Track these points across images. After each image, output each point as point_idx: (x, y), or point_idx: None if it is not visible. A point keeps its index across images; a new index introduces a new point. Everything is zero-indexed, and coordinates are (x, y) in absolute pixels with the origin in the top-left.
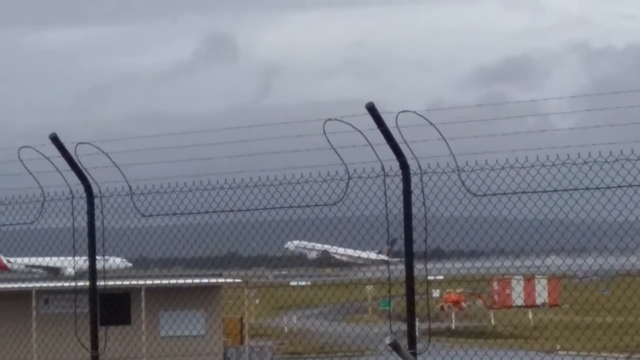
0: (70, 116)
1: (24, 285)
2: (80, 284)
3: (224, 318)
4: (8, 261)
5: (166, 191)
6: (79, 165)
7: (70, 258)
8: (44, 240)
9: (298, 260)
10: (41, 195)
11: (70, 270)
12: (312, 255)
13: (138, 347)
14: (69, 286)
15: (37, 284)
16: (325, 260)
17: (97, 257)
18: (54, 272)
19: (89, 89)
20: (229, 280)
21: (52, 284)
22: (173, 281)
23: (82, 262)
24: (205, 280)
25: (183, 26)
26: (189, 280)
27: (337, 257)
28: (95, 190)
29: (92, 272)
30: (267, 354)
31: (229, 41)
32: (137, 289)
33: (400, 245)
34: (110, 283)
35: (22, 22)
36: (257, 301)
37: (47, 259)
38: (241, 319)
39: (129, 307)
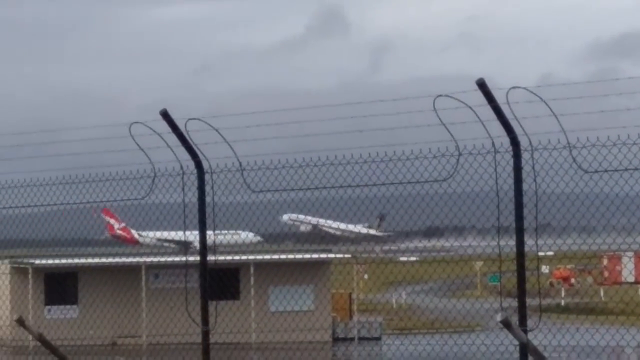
0: (182, 91)
1: (134, 259)
2: (191, 259)
3: (333, 293)
4: (140, 235)
5: (276, 167)
6: (190, 141)
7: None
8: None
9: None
10: (152, 171)
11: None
12: (303, 228)
13: (247, 322)
14: (179, 261)
15: (148, 259)
16: (316, 233)
17: (225, 231)
18: (185, 246)
19: (201, 65)
20: (339, 255)
21: (162, 259)
22: (282, 256)
23: (214, 236)
24: (314, 256)
25: (295, 1)
26: (298, 256)
27: (328, 230)
28: (205, 166)
29: (203, 247)
30: (375, 329)
31: (340, 16)
32: (246, 264)
33: (389, 221)
34: (221, 258)
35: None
36: (365, 276)
37: (180, 232)
38: (350, 294)
39: (238, 282)
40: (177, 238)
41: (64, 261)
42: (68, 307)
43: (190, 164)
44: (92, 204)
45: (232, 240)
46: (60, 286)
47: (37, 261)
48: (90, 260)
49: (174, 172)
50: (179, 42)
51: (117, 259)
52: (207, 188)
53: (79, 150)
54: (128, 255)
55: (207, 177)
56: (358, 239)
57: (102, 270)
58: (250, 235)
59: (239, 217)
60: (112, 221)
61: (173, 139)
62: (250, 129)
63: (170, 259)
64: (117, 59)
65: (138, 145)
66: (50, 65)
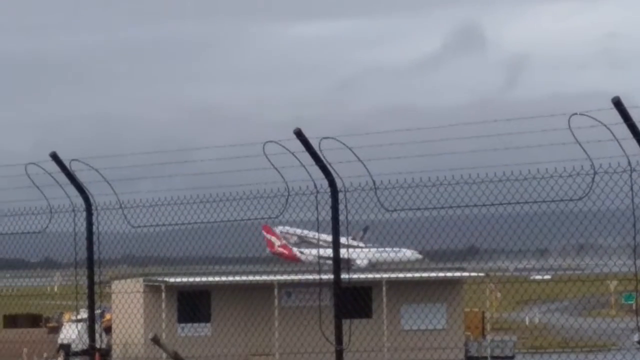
0: (318, 109)
1: (267, 278)
2: (324, 277)
3: (466, 312)
4: (300, 252)
5: (410, 185)
6: (323, 159)
7: (359, 249)
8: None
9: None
10: (285, 190)
11: (360, 262)
12: (293, 239)
13: (380, 341)
14: (312, 279)
15: (280, 277)
16: (304, 244)
17: (389, 249)
18: (345, 263)
19: (338, 82)
20: (473, 274)
21: (295, 277)
22: (416, 275)
23: (374, 252)
24: (447, 274)
25: (430, 18)
26: (432, 274)
27: (312, 241)
28: (339, 184)
29: (336, 265)
30: (509, 348)
31: (477, 33)
32: (379, 283)
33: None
34: (355, 277)
35: (284, 15)
36: (498, 294)
37: (342, 250)
38: (483, 312)
39: (370, 300)
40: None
41: (197, 279)
42: (201, 325)
43: (324, 183)
44: (227, 222)
45: (396, 258)
46: (193, 304)
47: (171, 279)
48: (223, 278)
49: (307, 190)
50: (315, 60)
51: (250, 277)
52: (341, 207)
53: (213, 169)
54: (262, 273)
55: (340, 195)
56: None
57: (234, 289)
58: (409, 252)
59: (373, 236)
60: (272, 238)
61: (307, 157)
62: (384, 147)
63: (303, 277)
64: (252, 77)
65: (272, 164)
66: (186, 84)
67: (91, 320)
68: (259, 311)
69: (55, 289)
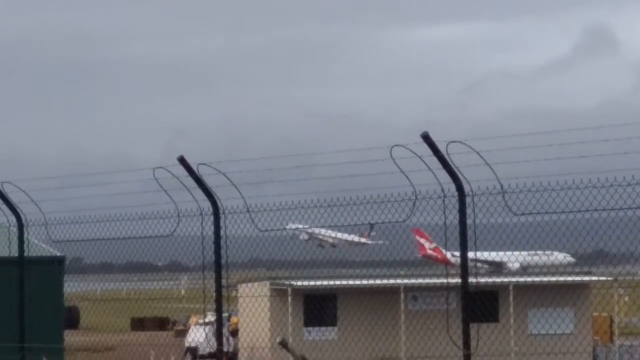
0: (445, 113)
1: (393, 281)
2: (452, 281)
3: (594, 316)
4: (453, 255)
5: (538, 189)
6: (451, 164)
7: (512, 252)
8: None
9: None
10: (412, 194)
11: (512, 265)
12: (303, 236)
13: (506, 345)
14: (440, 283)
15: (407, 281)
16: (313, 241)
17: (540, 252)
18: (497, 267)
19: (465, 86)
20: (602, 278)
21: (422, 281)
22: (545, 279)
23: (525, 256)
24: (575, 278)
25: (559, 21)
26: (560, 278)
27: (322, 238)
28: (466, 188)
29: (464, 270)
30: (638, 353)
31: (606, 34)
32: (505, 287)
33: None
34: (482, 280)
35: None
36: (626, 299)
37: (493, 253)
38: (611, 317)
39: (497, 304)
40: (490, 259)
41: (323, 283)
42: (327, 328)
43: (451, 187)
44: (354, 226)
45: (547, 261)
46: (319, 307)
47: (297, 283)
48: (349, 282)
49: (434, 194)
50: (442, 63)
51: (376, 281)
52: (468, 211)
53: (340, 173)
54: (389, 277)
55: (467, 199)
56: (351, 245)
57: (360, 292)
58: (560, 256)
59: (500, 240)
60: (422, 241)
61: (434, 161)
62: (512, 151)
63: (431, 281)
64: (379, 80)
65: (399, 168)
66: (313, 87)
67: (219, 324)
68: (385, 315)
69: (182, 292)
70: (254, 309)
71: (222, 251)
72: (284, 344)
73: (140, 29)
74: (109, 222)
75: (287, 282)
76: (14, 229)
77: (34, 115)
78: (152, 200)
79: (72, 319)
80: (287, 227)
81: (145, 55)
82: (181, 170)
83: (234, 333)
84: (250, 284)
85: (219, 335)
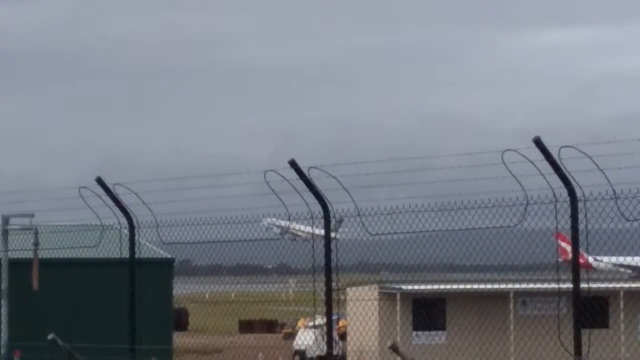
0: (557, 117)
1: (503, 286)
2: (564, 286)
3: None
4: (595, 259)
5: None
6: (563, 168)
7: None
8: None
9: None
10: (524, 199)
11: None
12: (277, 230)
13: (617, 352)
14: (551, 288)
15: (516, 286)
16: (287, 235)
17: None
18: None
19: (576, 90)
20: None
21: (532, 286)
22: None
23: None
24: None
25: None
26: None
27: (295, 232)
28: (578, 193)
29: (576, 274)
30: None
31: None
32: (615, 292)
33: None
34: (594, 286)
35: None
36: None
37: (637, 258)
38: None
39: (607, 310)
40: (633, 263)
41: (432, 287)
42: (436, 332)
43: (562, 192)
44: (464, 230)
45: None
46: (428, 311)
47: (405, 286)
48: (458, 286)
49: (546, 199)
50: (554, 68)
51: (484, 285)
52: (580, 216)
53: (451, 177)
54: (499, 282)
55: (580, 204)
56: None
57: (469, 297)
58: None
59: (612, 246)
60: (564, 245)
61: (546, 166)
62: (626, 156)
63: (542, 286)
64: (491, 84)
65: (510, 172)
66: (424, 91)
67: (329, 327)
68: (495, 320)
69: (291, 294)
70: (363, 312)
71: (333, 255)
72: (394, 348)
73: (251, 32)
74: (219, 224)
75: (396, 286)
76: (125, 231)
77: (144, 118)
78: (263, 204)
79: (180, 321)
80: (263, 220)
81: (256, 58)
82: (292, 174)
83: (343, 336)
84: (359, 288)
85: (329, 338)
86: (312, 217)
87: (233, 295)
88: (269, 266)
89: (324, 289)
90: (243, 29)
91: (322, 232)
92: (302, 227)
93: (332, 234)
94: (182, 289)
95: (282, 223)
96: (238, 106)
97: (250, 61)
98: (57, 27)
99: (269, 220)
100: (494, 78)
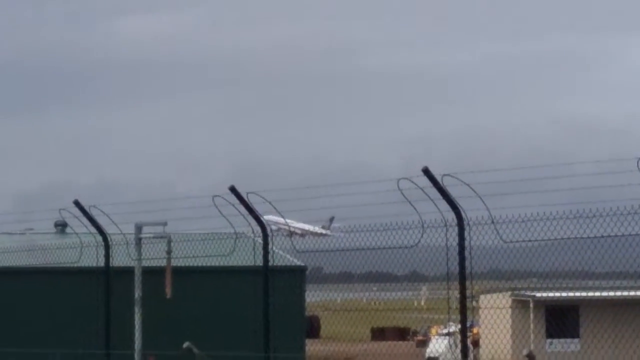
0: None
1: (637, 293)
2: None
3: None
4: None
5: None
6: None
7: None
8: None
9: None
10: None
11: None
12: (274, 227)
13: None
14: None
15: None
16: (283, 231)
17: None
18: None
19: None
20: None
21: None
22: None
23: None
24: None
25: None
26: None
27: (291, 229)
28: None
29: None
30: None
31: None
32: None
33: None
34: None
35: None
36: None
37: None
38: None
39: None
40: None
41: (565, 294)
42: (571, 340)
43: None
44: (600, 238)
45: None
46: (561, 319)
47: (538, 294)
48: (592, 293)
49: None
50: None
51: (620, 293)
52: None
53: (588, 184)
54: (635, 289)
55: None
56: (315, 236)
57: (604, 304)
58: None
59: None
60: None
61: None
62: None
63: None
64: (627, 91)
65: None
66: (558, 97)
67: (464, 334)
68: (631, 328)
69: (422, 302)
70: (495, 319)
71: (467, 262)
72: (531, 357)
73: (385, 40)
74: (351, 232)
75: (529, 293)
76: (259, 239)
77: (278, 127)
78: (394, 212)
79: (313, 328)
80: (263, 217)
81: (389, 65)
82: (425, 181)
83: (475, 344)
84: (490, 295)
85: (464, 346)
86: (445, 225)
87: (364, 302)
88: (400, 273)
89: (458, 296)
90: (378, 37)
91: (316, 229)
92: (297, 224)
93: (323, 231)
94: (314, 297)
95: (279, 219)
96: (370, 114)
97: (383, 69)
98: (189, 37)
99: (268, 217)
100: (628, 84)
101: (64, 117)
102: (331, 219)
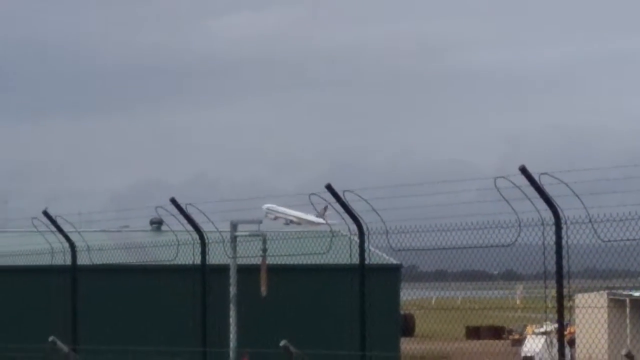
0: None
1: None
2: None
3: None
4: None
5: None
6: None
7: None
8: None
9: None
10: None
11: None
12: (271, 216)
13: None
14: None
15: None
16: (280, 220)
17: None
18: None
19: None
20: None
21: None
22: None
23: None
24: None
25: None
26: None
27: (289, 218)
28: None
29: None
30: None
31: None
32: None
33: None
34: None
35: None
36: None
37: None
38: None
39: None
40: None
41: None
42: None
43: None
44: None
45: None
46: None
47: (636, 293)
48: None
49: None
50: None
51: None
52: None
53: None
54: None
55: None
56: (310, 224)
57: None
58: None
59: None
60: None
61: None
62: None
63: None
64: None
65: None
66: None
67: (561, 334)
68: None
69: (518, 301)
70: (591, 319)
71: (564, 261)
72: (630, 356)
73: (479, 38)
74: (447, 231)
75: (625, 293)
76: (355, 238)
77: (373, 124)
78: (491, 210)
79: (407, 327)
80: (263, 206)
81: (484, 64)
82: (521, 180)
83: (571, 343)
84: (587, 294)
85: (560, 345)
86: (542, 224)
87: (459, 301)
88: (495, 272)
89: (554, 295)
90: (472, 35)
91: (310, 218)
92: (294, 213)
93: (319, 220)
94: (408, 295)
95: (277, 208)
96: (465, 111)
97: (478, 67)
98: (286, 35)
99: (267, 205)
100: None
101: (157, 115)
102: (325, 208)
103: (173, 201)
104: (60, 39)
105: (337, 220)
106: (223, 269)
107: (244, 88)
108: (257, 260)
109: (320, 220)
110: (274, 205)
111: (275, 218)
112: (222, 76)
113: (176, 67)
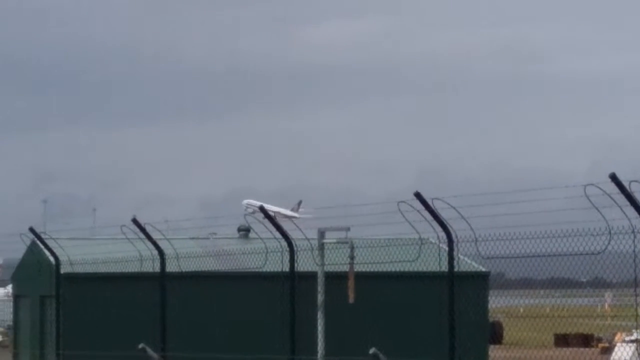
0: None
1: None
2: None
3: None
4: None
5: None
6: None
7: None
8: None
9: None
10: None
11: None
12: (250, 210)
13: None
14: None
15: None
16: (259, 214)
17: None
18: None
19: None
20: None
21: None
22: None
23: None
24: None
25: None
26: None
27: (268, 212)
28: None
29: None
30: None
31: None
32: None
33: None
34: None
35: None
36: None
37: None
38: None
39: None
40: None
41: None
42: None
43: None
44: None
45: None
46: None
47: None
48: None
49: None
50: None
51: None
52: None
53: None
54: None
55: None
56: (285, 218)
57: None
58: None
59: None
60: None
61: None
62: None
63: None
64: None
65: None
66: None
67: None
68: None
69: (607, 308)
70: None
71: None
72: None
73: (567, 43)
74: (535, 239)
75: None
76: (444, 246)
77: (462, 132)
78: (581, 218)
79: (496, 335)
80: (243, 202)
81: (573, 70)
82: (612, 187)
83: None
84: None
85: None
86: (633, 232)
87: (548, 309)
88: (584, 279)
89: None
90: (561, 41)
91: (284, 211)
92: (272, 207)
93: (294, 213)
94: (496, 302)
95: (257, 203)
96: (554, 118)
97: (568, 73)
98: (379, 42)
99: (246, 201)
100: None
101: (247, 122)
102: (299, 203)
103: (261, 209)
104: (157, 43)
105: (310, 215)
106: (310, 276)
107: (340, 95)
108: (344, 268)
109: (295, 214)
110: (252, 200)
111: (254, 212)
112: (317, 83)
113: (272, 73)
